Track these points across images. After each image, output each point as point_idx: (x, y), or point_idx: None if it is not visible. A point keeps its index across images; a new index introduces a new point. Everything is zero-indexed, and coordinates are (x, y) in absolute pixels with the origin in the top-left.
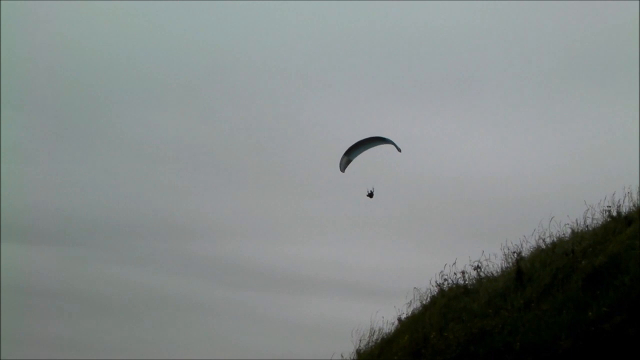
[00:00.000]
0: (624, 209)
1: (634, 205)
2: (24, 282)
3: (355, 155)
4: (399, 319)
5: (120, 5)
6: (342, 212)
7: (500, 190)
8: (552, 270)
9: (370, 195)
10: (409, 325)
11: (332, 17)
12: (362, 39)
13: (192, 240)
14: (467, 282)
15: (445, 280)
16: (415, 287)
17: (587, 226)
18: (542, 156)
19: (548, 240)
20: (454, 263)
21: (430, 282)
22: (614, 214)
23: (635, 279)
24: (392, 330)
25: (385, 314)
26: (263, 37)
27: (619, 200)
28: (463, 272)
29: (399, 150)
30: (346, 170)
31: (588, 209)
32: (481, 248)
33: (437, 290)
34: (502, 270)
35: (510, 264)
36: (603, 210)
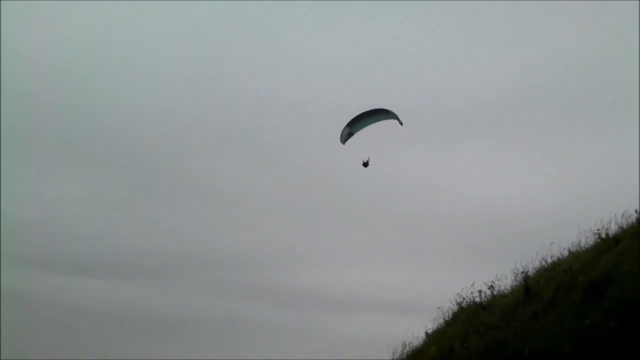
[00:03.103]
0: (612, 231)
1: (620, 227)
2: (120, 311)
3: (358, 129)
4: (426, 333)
5: (184, 65)
6: (378, 242)
7: (508, 219)
8: (555, 286)
9: (365, 164)
10: (435, 338)
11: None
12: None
13: (256, 270)
14: (483, 300)
15: (464, 299)
16: (438, 307)
17: (581, 247)
18: (546, 187)
19: (550, 261)
20: (472, 285)
21: (450, 302)
22: (604, 235)
23: (625, 290)
24: (421, 343)
25: (414, 330)
26: (314, 85)
27: (607, 223)
28: (480, 291)
29: (401, 123)
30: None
31: (581, 233)
32: (493, 269)
33: (457, 308)
34: (512, 288)
35: (519, 282)
36: (594, 232)
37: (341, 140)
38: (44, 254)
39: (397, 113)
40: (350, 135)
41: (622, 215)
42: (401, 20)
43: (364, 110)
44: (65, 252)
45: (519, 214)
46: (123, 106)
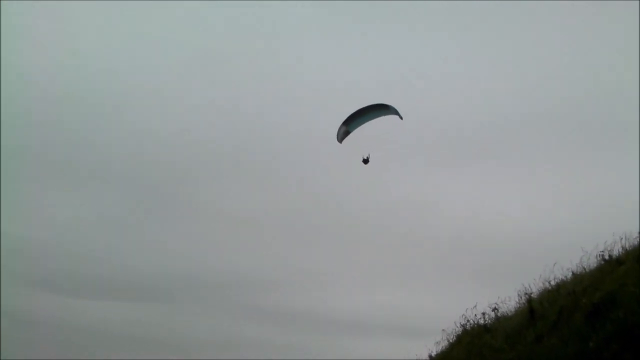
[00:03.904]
0: (615, 253)
1: (623, 249)
2: (126, 333)
3: (355, 127)
4: (430, 356)
5: (193, 89)
6: (383, 263)
7: (513, 240)
8: (558, 308)
9: (366, 161)
10: None
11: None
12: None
13: (262, 292)
14: (486, 322)
15: (468, 321)
16: (442, 329)
17: (585, 269)
18: (549, 210)
19: (553, 283)
20: (475, 306)
21: (455, 323)
22: (607, 257)
23: (628, 312)
24: None
25: (418, 352)
26: (320, 110)
27: (611, 245)
28: (483, 314)
29: (401, 118)
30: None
31: (584, 255)
32: (497, 290)
33: (461, 330)
34: (516, 310)
35: (523, 304)
36: (598, 254)
37: (338, 139)
38: (47, 274)
39: (397, 108)
40: (347, 133)
41: (626, 237)
42: (407, 45)
43: (361, 107)
44: (69, 273)
45: (523, 236)
46: (130, 128)
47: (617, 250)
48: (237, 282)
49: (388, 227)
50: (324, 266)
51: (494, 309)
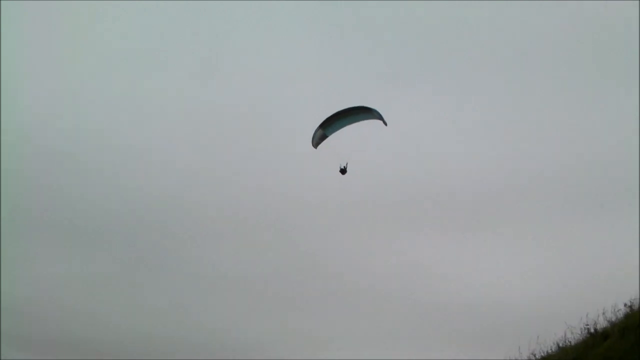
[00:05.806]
0: (600, 325)
1: (609, 322)
2: None
3: (333, 131)
4: None
5: (188, 150)
6: (371, 327)
7: (500, 310)
8: None
9: (343, 171)
10: None
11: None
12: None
13: (255, 355)
14: None
15: None
16: None
17: (570, 342)
18: (539, 280)
19: (538, 356)
20: None
21: None
22: (592, 330)
23: None
24: None
25: None
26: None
27: (596, 318)
28: None
29: (385, 123)
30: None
31: (569, 328)
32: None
33: None
34: None
35: None
36: (583, 327)
37: (312, 144)
38: (41, 336)
39: (380, 112)
40: (323, 137)
41: (612, 309)
42: (405, 109)
43: (339, 110)
44: (63, 335)
45: (511, 306)
46: (126, 189)
47: (602, 323)
48: (232, 344)
49: (379, 292)
50: (316, 330)
51: None
